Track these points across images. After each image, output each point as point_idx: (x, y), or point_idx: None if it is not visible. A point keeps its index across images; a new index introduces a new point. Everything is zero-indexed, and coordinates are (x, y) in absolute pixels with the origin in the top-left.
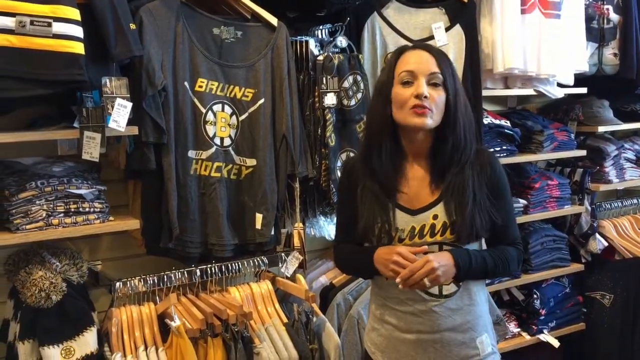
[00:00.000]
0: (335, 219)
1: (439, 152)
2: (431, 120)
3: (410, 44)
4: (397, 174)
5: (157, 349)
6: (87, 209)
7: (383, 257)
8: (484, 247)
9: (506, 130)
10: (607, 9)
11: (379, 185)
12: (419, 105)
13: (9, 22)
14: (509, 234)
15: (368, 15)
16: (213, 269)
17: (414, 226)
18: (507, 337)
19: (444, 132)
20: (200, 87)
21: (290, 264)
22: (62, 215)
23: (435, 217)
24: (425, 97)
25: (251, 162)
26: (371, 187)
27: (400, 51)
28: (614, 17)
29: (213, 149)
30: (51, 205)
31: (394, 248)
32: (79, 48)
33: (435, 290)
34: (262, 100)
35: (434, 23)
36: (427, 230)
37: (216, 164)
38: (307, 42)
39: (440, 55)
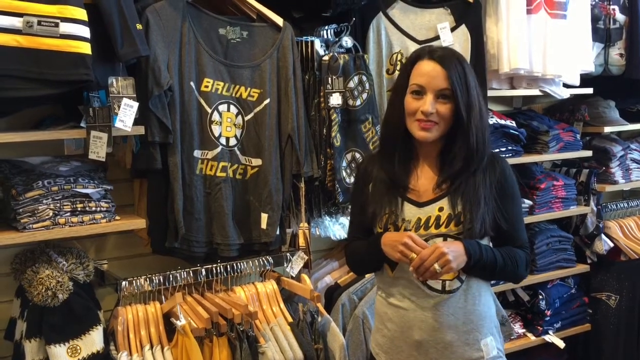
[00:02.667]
0: (340, 218)
1: (450, 159)
2: (435, 133)
3: (425, 48)
4: (408, 173)
5: (162, 348)
6: (93, 209)
7: (392, 240)
8: None
9: (511, 131)
10: (614, 10)
11: (390, 180)
12: (423, 120)
13: (16, 22)
14: (517, 237)
15: (373, 15)
16: (218, 268)
17: (420, 217)
18: (512, 337)
19: (455, 141)
20: (206, 87)
21: (295, 264)
22: (68, 214)
23: (440, 209)
24: (431, 113)
25: (257, 162)
26: (383, 180)
27: (415, 58)
28: (620, 17)
29: (219, 149)
30: (58, 205)
31: (404, 232)
32: (85, 48)
33: (438, 285)
34: (267, 100)
35: (439, 23)
36: (432, 222)
37: (222, 163)
38: (312, 42)
39: (453, 66)
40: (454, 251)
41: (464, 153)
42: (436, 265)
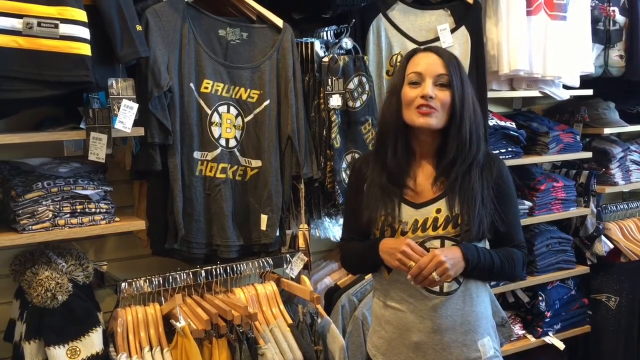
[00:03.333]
0: (340, 220)
1: (444, 150)
2: (436, 120)
3: (420, 47)
4: (406, 172)
5: (162, 350)
6: (93, 210)
7: (390, 247)
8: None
9: (511, 132)
10: (613, 11)
11: (387, 180)
12: (424, 105)
13: (16, 23)
14: (514, 237)
15: (373, 16)
16: (218, 269)
17: (417, 219)
18: (512, 339)
19: (449, 132)
20: (206, 88)
21: (295, 265)
22: (68, 215)
23: (438, 211)
24: (431, 97)
25: (256, 163)
26: (379, 181)
27: (411, 54)
28: (620, 19)
29: (218, 150)
30: (57, 206)
31: (402, 239)
32: (85, 49)
33: (436, 287)
34: (267, 102)
35: (439, 24)
36: (429, 224)
37: (221, 165)
38: (312, 43)
39: (448, 58)
40: (452, 258)
41: (456, 142)
42: (434, 274)
